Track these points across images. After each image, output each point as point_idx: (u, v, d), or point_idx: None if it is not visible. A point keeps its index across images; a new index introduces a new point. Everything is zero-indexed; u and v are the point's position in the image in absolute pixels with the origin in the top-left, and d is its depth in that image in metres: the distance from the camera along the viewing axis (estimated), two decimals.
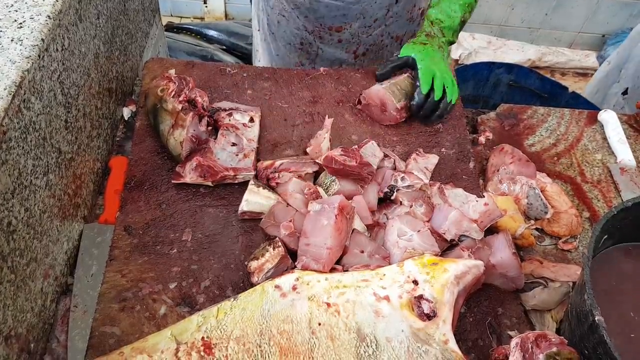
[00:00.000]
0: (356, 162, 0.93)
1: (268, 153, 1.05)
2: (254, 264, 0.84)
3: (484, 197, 0.95)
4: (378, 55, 1.39)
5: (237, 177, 0.97)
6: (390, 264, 0.85)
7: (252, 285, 0.83)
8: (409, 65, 1.13)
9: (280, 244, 0.86)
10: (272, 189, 0.95)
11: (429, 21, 1.19)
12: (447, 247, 0.90)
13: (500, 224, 0.95)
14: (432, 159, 1.05)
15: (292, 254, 0.87)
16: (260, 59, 1.50)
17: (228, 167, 0.97)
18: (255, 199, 0.93)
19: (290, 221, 0.88)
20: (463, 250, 0.86)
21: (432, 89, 1.09)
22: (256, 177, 0.97)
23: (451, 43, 1.20)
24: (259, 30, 1.45)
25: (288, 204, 0.92)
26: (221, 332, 0.73)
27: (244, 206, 0.93)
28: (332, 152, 0.94)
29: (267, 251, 0.85)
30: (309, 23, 1.30)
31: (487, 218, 0.92)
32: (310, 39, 1.33)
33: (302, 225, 0.86)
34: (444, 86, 1.10)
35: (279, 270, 0.84)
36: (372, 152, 0.99)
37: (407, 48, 1.14)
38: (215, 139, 1.01)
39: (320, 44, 1.34)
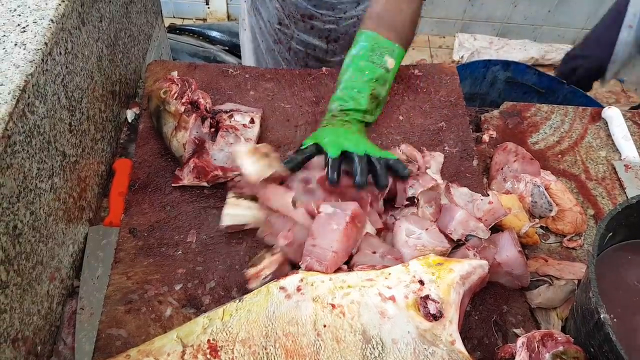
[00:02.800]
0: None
1: None
2: (251, 271, 0.84)
3: (488, 195, 0.94)
4: (351, 42, 1.40)
5: (228, 175, 0.96)
6: None
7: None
8: (319, 151, 0.94)
9: (279, 250, 0.85)
10: (254, 199, 0.92)
11: (332, 105, 1.02)
12: (454, 246, 0.90)
13: (504, 222, 0.95)
14: (439, 158, 1.05)
15: (292, 264, 0.86)
16: (246, 27, 1.52)
17: (217, 166, 0.96)
18: (236, 212, 0.90)
19: (289, 230, 0.87)
20: (469, 250, 0.86)
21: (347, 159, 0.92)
22: None
23: (366, 121, 1.02)
24: (245, 1, 1.47)
25: (283, 215, 0.90)
26: (227, 334, 0.73)
27: (225, 221, 0.89)
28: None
29: (266, 258, 0.85)
30: (284, 8, 1.32)
31: (492, 217, 0.92)
32: (286, 22, 1.37)
33: (301, 237, 0.85)
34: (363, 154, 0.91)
35: (278, 277, 0.82)
36: None
37: (308, 139, 0.97)
38: (214, 140, 1.01)
39: (294, 29, 1.37)
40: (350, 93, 1.00)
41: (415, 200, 0.94)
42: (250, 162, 0.91)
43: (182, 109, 0.99)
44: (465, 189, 0.97)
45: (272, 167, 0.93)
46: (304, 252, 0.84)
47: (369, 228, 0.90)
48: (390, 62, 1.01)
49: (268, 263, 0.84)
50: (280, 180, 0.95)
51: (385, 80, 1.02)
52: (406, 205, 0.95)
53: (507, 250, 0.86)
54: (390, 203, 0.97)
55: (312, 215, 0.87)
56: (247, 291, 0.81)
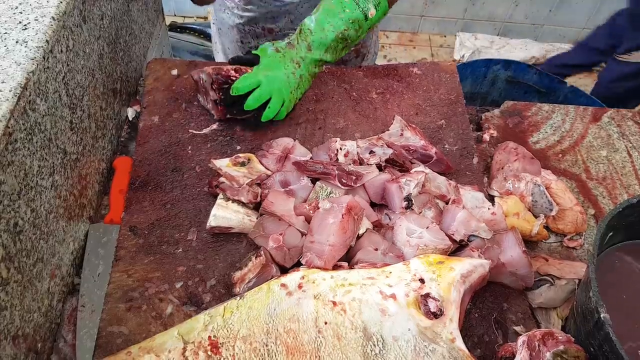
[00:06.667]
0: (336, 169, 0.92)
1: None
2: (237, 275, 0.84)
3: (492, 201, 0.94)
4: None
5: None
6: None
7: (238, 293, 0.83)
8: (255, 63, 1.02)
9: (262, 253, 0.85)
10: (243, 203, 0.93)
11: (299, 29, 1.03)
12: (457, 248, 0.90)
13: (513, 224, 0.94)
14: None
15: (281, 267, 0.86)
16: (218, 50, 1.53)
17: None
18: (223, 214, 0.90)
19: (281, 234, 0.87)
20: (473, 251, 0.86)
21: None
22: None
23: (324, 62, 1.04)
24: (213, 23, 1.48)
25: (280, 218, 0.90)
26: (228, 331, 0.73)
27: (211, 221, 0.90)
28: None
29: (250, 260, 0.85)
30: (245, 23, 1.33)
31: (491, 227, 0.91)
32: (248, 38, 1.37)
33: (292, 241, 0.86)
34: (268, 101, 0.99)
35: (261, 279, 0.82)
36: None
37: (262, 48, 1.03)
38: None
39: (257, 43, 1.37)
40: (322, 23, 1.00)
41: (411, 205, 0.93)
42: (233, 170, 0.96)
43: None
44: (480, 194, 0.95)
45: (254, 172, 0.96)
46: (304, 248, 0.84)
47: (367, 223, 0.90)
48: (372, 12, 1.01)
49: (252, 266, 0.84)
50: (261, 181, 0.96)
51: (360, 26, 1.02)
52: (406, 207, 0.92)
53: (511, 250, 0.86)
54: (385, 206, 0.96)
55: (309, 220, 0.88)
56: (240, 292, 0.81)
